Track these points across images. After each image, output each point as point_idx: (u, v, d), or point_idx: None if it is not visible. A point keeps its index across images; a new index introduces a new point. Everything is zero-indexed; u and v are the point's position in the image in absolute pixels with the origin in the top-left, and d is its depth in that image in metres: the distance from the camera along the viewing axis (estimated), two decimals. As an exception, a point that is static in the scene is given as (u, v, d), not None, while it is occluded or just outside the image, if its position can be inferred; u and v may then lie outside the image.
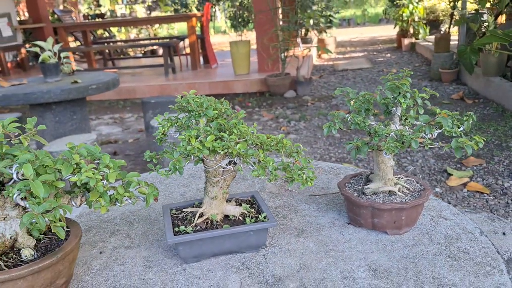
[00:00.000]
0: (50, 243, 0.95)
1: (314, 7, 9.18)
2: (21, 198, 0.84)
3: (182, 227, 1.01)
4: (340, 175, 1.46)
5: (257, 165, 0.91)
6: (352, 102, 1.09)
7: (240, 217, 1.05)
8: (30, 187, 0.81)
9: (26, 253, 0.89)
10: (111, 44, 9.68)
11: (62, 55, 3.72)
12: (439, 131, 1.02)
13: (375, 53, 10.04)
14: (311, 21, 8.40)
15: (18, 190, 0.83)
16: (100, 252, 1.09)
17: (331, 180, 1.43)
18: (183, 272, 0.99)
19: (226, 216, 1.06)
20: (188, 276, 0.97)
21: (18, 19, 10.21)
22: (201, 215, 1.03)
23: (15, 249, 0.91)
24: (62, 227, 0.83)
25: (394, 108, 1.03)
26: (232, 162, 0.97)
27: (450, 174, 3.26)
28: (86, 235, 1.17)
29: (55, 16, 10.86)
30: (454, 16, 7.23)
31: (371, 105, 1.07)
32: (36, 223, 0.89)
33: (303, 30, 10.00)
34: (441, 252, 1.01)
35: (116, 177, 0.89)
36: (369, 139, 1.06)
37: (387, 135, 0.98)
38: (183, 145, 0.87)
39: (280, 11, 6.98)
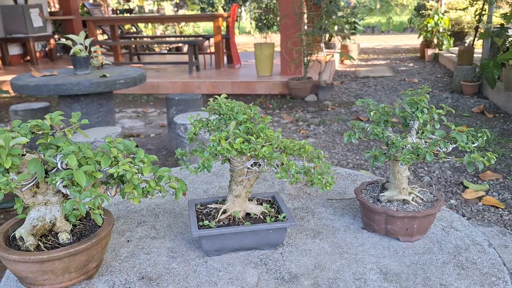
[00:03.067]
0: (84, 228, 1.03)
1: (340, 13, 9.21)
2: (63, 186, 0.92)
3: (206, 222, 1.08)
4: (357, 181, 1.52)
5: (280, 167, 0.98)
6: (372, 113, 1.15)
7: (261, 216, 1.11)
8: (72, 176, 0.89)
9: (63, 236, 0.97)
10: (138, 39, 9.84)
11: (92, 49, 3.84)
12: (454, 145, 1.07)
13: (397, 61, 10.01)
14: (336, 27, 8.43)
15: (61, 178, 0.91)
16: (128, 241, 1.17)
17: (348, 186, 1.49)
18: (205, 264, 1.06)
19: (248, 214, 1.12)
20: (209, 268, 1.04)
21: (48, 10, 10.47)
22: (224, 212, 1.10)
23: (53, 233, 1.00)
24: (100, 215, 0.91)
25: (411, 122, 1.08)
26: (257, 163, 1.03)
27: (466, 187, 3.28)
28: (115, 224, 1.25)
29: (85, 9, 11.10)
30: (479, 30, 7.19)
31: (390, 117, 1.13)
32: (76, 209, 0.97)
33: (327, 36, 10.02)
34: (449, 261, 1.06)
35: (149, 171, 0.96)
36: (386, 149, 1.12)
37: (404, 147, 1.03)
38: (213, 145, 0.94)
39: (305, 16, 7.04)
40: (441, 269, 1.03)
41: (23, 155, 0.92)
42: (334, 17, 7.16)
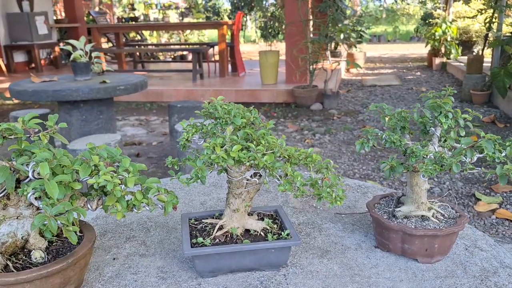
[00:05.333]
0: (62, 246, 0.91)
1: (346, 22, 9.11)
2: (36, 198, 0.80)
3: (200, 239, 0.95)
4: (367, 194, 1.39)
5: (284, 179, 0.86)
6: (387, 119, 1.03)
7: (262, 233, 0.99)
8: (45, 187, 0.77)
9: (37, 255, 0.86)
10: (142, 47, 9.79)
11: (93, 54, 3.75)
12: (480, 155, 0.95)
13: (404, 70, 9.89)
14: (342, 35, 8.33)
15: (33, 189, 0.79)
16: (114, 259, 1.05)
17: (358, 199, 1.36)
18: (198, 287, 0.94)
19: (247, 231, 1.00)
20: (203, 292, 0.92)
21: (54, 18, 10.45)
22: (221, 228, 0.98)
23: (25, 250, 0.88)
24: (75, 232, 0.79)
25: (433, 128, 0.96)
26: (258, 174, 0.91)
27: (478, 199, 3.14)
28: (100, 239, 1.13)
29: (90, 17, 11.08)
30: (488, 38, 7.07)
31: (407, 123, 1.01)
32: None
33: (333, 44, 9.93)
34: (476, 287, 0.93)
35: (135, 182, 0.85)
36: (404, 159, 1.00)
37: (425, 156, 0.91)
38: (207, 153, 0.83)
39: (311, 23, 6.94)
40: (467, 296, 0.90)
41: (-10, 162, 0.81)
42: (340, 24, 7.07)
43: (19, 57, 9.32)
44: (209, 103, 0.90)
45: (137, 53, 8.96)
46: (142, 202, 0.87)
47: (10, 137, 0.86)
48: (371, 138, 0.98)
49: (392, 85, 7.99)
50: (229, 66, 8.30)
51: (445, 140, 0.95)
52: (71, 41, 3.59)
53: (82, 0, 10.19)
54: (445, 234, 0.98)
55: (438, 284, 0.94)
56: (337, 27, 6.89)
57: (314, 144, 4.56)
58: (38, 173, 0.79)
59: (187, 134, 0.90)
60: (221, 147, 0.83)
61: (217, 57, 8.21)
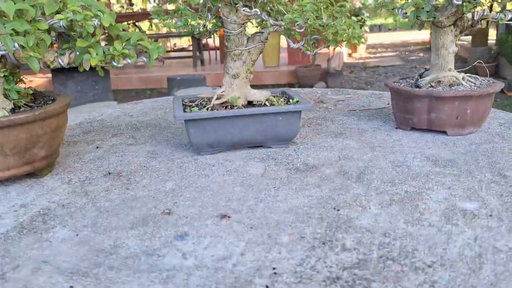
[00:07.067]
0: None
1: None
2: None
3: (195, 109, 0.82)
4: (382, 98, 1.25)
5: (291, 9, 0.72)
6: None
7: (267, 103, 0.85)
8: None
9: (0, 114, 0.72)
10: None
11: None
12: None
13: (407, 52, 9.73)
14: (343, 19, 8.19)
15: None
16: (97, 147, 0.91)
17: (373, 101, 1.22)
18: (194, 161, 0.80)
19: (250, 103, 0.87)
20: (199, 164, 0.78)
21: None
22: (219, 98, 0.84)
23: (-11, 114, 0.75)
24: (39, 62, 0.66)
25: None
26: (259, 17, 0.77)
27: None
28: (84, 136, 1.00)
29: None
30: (493, 10, 6.90)
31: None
32: (18, 84, 0.73)
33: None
34: (520, 147, 0.79)
35: (110, 23, 0.71)
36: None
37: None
38: None
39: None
40: (510, 155, 0.76)
41: None
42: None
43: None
44: None
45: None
46: (123, 53, 0.74)
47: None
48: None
49: (395, 65, 7.84)
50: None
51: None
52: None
53: None
54: (479, 95, 0.84)
55: (474, 148, 0.80)
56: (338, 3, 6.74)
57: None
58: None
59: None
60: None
61: (218, 44, 8.07)
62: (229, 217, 0.58)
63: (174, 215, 0.59)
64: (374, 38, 14.61)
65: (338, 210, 0.59)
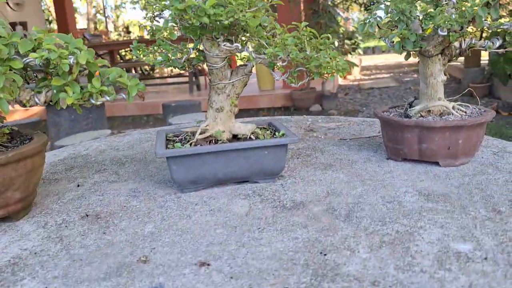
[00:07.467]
0: (9, 155, 0.75)
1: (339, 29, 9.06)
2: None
3: (178, 144, 0.79)
4: (373, 126, 1.23)
5: (273, 41, 0.70)
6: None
7: (252, 136, 0.82)
8: (-28, 56, 0.62)
9: (-27, 156, 0.69)
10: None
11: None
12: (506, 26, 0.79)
13: (401, 74, 9.79)
14: (336, 43, 8.26)
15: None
16: (78, 185, 0.88)
17: (364, 129, 1.20)
18: (177, 200, 0.77)
19: (235, 136, 0.84)
20: (182, 203, 0.75)
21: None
22: (203, 132, 0.82)
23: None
24: (9, 103, 0.63)
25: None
26: (243, 64, 0.75)
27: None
28: (66, 173, 0.97)
29: (86, 41, 11.06)
30: (484, 31, 6.96)
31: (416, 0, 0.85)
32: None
33: (329, 52, 9.87)
34: (515, 178, 0.77)
35: (88, 60, 0.69)
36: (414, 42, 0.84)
37: (440, 13, 0.75)
38: (173, 6, 0.66)
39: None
40: (505, 187, 0.74)
41: None
42: (331, 29, 7.00)
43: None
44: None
45: (133, 71, 8.89)
46: (101, 91, 0.72)
47: None
48: (374, 18, 0.82)
49: (390, 86, 7.87)
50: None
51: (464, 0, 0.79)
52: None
53: (78, 29, 10.20)
54: (471, 125, 0.82)
55: (467, 181, 0.77)
56: (330, 29, 6.81)
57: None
58: (-35, 42, 0.63)
59: (153, 8, 0.74)
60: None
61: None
62: (208, 264, 0.54)
63: (151, 263, 0.56)
64: (368, 60, 14.75)
65: (325, 254, 0.55)
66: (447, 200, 0.70)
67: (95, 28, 13.94)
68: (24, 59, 0.69)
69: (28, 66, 0.71)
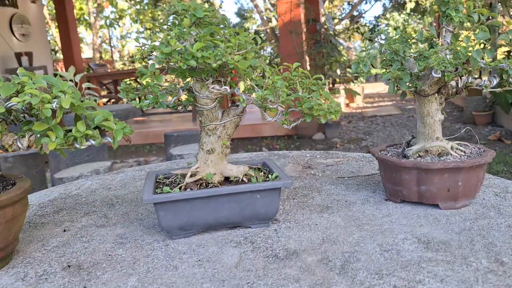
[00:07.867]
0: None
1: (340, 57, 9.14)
2: None
3: (166, 188, 0.76)
4: (372, 162, 1.20)
5: (263, 83, 0.68)
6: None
7: (245, 179, 0.80)
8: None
9: (-49, 205, 0.67)
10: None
11: (84, 85, 3.65)
12: (503, 65, 0.77)
13: (403, 102, 9.81)
14: (338, 71, 8.32)
15: None
16: (64, 230, 0.85)
17: (363, 166, 1.17)
18: (165, 247, 0.74)
19: (227, 179, 0.81)
20: (169, 252, 0.72)
21: (54, 71, 10.55)
22: (193, 175, 0.79)
23: None
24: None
25: (444, 24, 0.79)
26: (234, 104, 0.73)
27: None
28: (53, 216, 0.94)
29: (91, 71, 11.19)
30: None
31: (410, 40, 0.83)
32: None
33: (331, 80, 9.93)
34: (519, 224, 0.73)
35: (73, 103, 0.67)
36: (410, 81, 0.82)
37: (435, 53, 0.73)
38: (159, 55, 0.65)
39: (306, 56, 6.93)
40: (508, 233, 0.70)
41: None
42: (333, 58, 7.05)
43: (18, 112, 9.30)
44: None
45: (137, 100, 8.92)
46: (86, 135, 0.69)
47: None
48: (368, 58, 0.80)
49: (393, 114, 7.87)
50: (229, 104, 8.23)
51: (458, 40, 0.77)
52: (61, 72, 3.49)
53: (83, 59, 10.33)
54: (470, 166, 0.79)
55: (468, 226, 0.74)
56: (333, 58, 6.87)
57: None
58: None
59: (141, 51, 0.73)
60: (178, 40, 0.66)
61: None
62: (190, 326, 0.51)
63: (130, 324, 0.52)
64: (370, 88, 14.83)
65: (316, 314, 0.52)
66: (447, 249, 0.66)
67: (101, 58, 14.13)
68: (7, 103, 0.67)
69: (11, 110, 0.69)
